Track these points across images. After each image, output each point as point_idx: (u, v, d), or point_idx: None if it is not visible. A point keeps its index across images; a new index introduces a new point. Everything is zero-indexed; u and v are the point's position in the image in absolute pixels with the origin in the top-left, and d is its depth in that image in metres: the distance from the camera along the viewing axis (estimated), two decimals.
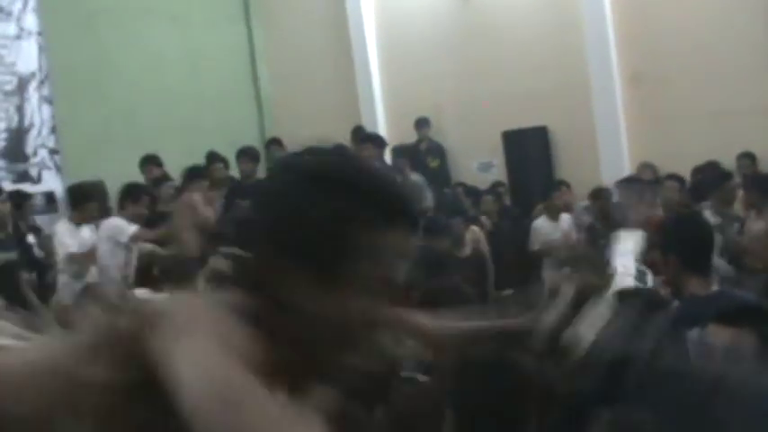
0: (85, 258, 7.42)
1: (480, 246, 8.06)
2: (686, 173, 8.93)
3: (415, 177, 9.67)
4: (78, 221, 7.62)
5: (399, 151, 11.21)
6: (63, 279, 7.40)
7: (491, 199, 9.68)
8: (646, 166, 9.79)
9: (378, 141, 10.69)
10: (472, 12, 11.55)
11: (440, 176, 10.95)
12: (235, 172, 9.68)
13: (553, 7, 10.90)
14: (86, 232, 7.59)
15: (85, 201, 7.67)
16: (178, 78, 12.15)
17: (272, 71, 13.25)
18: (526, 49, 11.03)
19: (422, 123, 11.44)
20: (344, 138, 11.31)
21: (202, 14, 12.61)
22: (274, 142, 10.56)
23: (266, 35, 13.28)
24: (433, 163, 11.22)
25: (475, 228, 8.25)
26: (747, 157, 9.18)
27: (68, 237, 7.48)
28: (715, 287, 3.81)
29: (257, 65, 13.27)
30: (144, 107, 11.62)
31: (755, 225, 6.38)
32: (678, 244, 3.96)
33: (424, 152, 11.33)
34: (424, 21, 11.93)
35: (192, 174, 8.17)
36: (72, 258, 7.36)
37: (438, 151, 11.50)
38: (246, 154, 9.71)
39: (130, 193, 7.82)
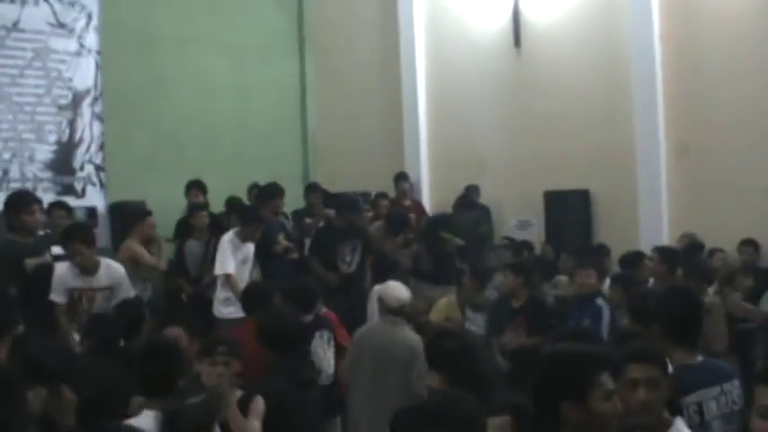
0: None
1: None
2: (727, 246, 8.91)
3: None
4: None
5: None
6: None
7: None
8: (686, 237, 9.74)
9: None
10: (524, 66, 11.62)
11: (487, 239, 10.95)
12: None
13: (605, 69, 10.94)
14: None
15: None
16: (227, 108, 12.30)
17: (321, 108, 13.36)
18: (574, 108, 11.07)
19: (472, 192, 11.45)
20: (386, 181, 11.43)
21: (258, 47, 12.76)
22: (314, 188, 10.88)
23: (318, 72, 13.41)
24: (485, 229, 11.15)
25: None
26: None
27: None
28: (700, 357, 4.07)
29: (307, 100, 13.38)
30: (191, 133, 11.76)
31: None
32: (665, 315, 4.19)
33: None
34: (475, 71, 12.01)
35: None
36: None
37: (487, 217, 11.45)
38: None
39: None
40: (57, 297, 6.68)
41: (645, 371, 3.40)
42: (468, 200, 11.39)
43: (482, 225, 11.10)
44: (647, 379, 3.38)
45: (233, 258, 8.23)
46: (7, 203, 7.25)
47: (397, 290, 6.20)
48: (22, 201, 7.18)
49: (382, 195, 11.08)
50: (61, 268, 6.75)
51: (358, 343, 6.16)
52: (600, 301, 6.84)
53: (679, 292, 4.51)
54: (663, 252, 7.75)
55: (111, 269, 6.90)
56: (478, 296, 7.68)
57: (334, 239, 9.09)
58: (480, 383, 3.86)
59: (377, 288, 6.71)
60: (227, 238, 8.34)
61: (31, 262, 6.79)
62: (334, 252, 9.04)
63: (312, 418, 4.52)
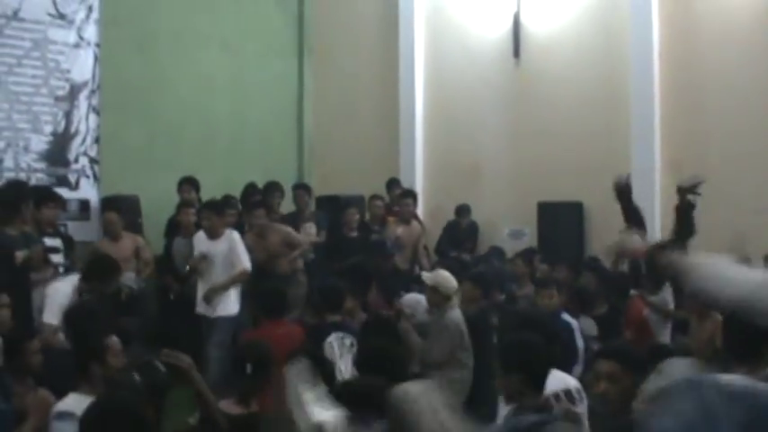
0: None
1: None
2: None
3: None
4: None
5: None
6: None
7: (521, 263, 9.62)
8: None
9: (415, 197, 10.83)
10: (522, 76, 11.63)
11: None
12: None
13: (603, 82, 10.95)
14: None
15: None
16: (224, 105, 12.29)
17: (318, 109, 13.35)
18: (571, 120, 11.08)
19: (463, 212, 11.40)
20: (381, 185, 11.42)
21: (256, 46, 12.76)
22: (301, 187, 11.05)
23: (316, 73, 13.40)
24: (468, 245, 11.22)
25: None
26: None
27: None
28: None
29: (304, 101, 13.37)
30: (187, 129, 11.76)
31: None
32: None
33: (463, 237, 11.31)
34: (474, 78, 12.01)
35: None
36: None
37: (474, 231, 11.51)
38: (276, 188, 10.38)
39: None
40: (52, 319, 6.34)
41: (607, 366, 3.85)
42: (457, 222, 11.38)
43: (467, 242, 11.21)
44: (607, 373, 3.83)
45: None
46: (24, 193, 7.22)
47: (450, 278, 6.76)
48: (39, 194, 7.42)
49: (377, 197, 11.07)
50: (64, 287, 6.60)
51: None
52: (566, 317, 7.20)
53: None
54: None
55: None
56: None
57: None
58: None
59: (427, 275, 7.05)
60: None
61: (20, 255, 6.72)
62: None
63: None
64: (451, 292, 6.72)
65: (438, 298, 6.70)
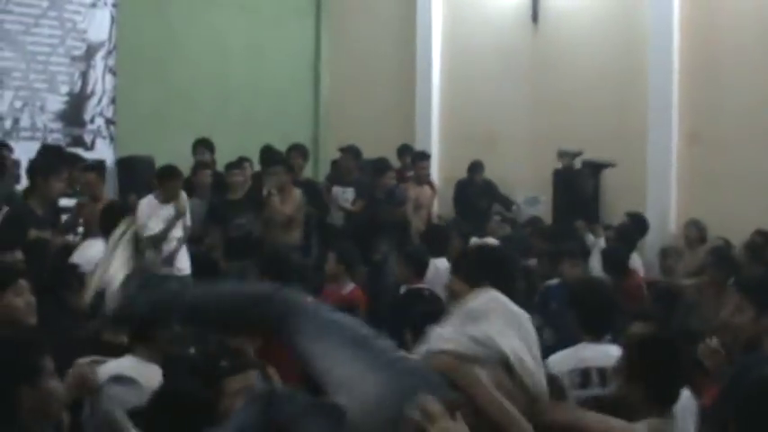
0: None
1: None
2: (732, 236, 8.88)
3: None
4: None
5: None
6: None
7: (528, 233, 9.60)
8: (693, 224, 9.74)
9: (425, 156, 10.79)
10: (540, 42, 11.55)
11: (488, 215, 10.92)
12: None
13: (622, 50, 10.88)
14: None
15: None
16: (240, 68, 12.26)
17: (334, 73, 13.30)
18: (589, 88, 11.01)
19: (476, 168, 11.28)
20: (395, 151, 11.39)
21: (273, 8, 12.69)
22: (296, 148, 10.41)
23: (333, 36, 13.34)
24: (483, 203, 11.12)
25: None
26: None
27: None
28: None
29: (320, 64, 13.32)
30: (203, 91, 11.74)
31: None
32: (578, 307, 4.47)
33: (477, 194, 11.23)
34: (491, 44, 11.92)
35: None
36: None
37: (490, 192, 11.37)
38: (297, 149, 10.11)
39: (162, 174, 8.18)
40: None
41: None
42: (470, 179, 11.32)
43: (482, 200, 11.11)
44: None
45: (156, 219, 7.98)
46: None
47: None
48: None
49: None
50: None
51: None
52: None
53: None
54: None
55: None
56: None
57: None
58: None
59: (475, 240, 6.81)
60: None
61: (33, 233, 6.73)
62: None
63: None
64: None
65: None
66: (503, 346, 3.18)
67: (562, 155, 10.31)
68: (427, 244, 7.56)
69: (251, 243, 8.69)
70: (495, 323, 3.27)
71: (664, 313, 5.65)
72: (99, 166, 8.98)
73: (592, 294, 4.58)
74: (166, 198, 8.00)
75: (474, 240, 6.93)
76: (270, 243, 8.76)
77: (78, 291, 4.77)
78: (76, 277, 5.21)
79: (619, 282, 7.04)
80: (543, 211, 11.08)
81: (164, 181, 8.10)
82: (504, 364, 3.17)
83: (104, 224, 6.37)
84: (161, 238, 7.68)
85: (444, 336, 3.25)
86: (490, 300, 3.40)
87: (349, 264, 6.78)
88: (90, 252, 6.35)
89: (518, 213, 11.09)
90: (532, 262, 8.28)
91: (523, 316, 3.38)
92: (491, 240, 6.60)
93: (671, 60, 10.45)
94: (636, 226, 9.20)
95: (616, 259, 7.60)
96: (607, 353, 4.07)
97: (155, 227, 7.67)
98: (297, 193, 9.27)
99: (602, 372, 4.09)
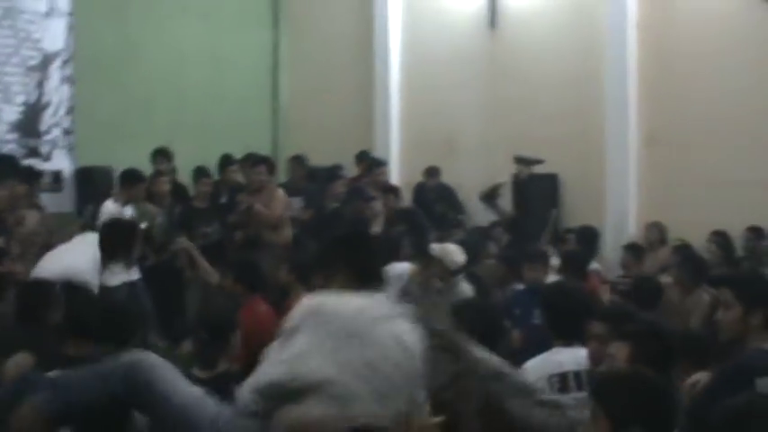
0: None
1: None
2: (691, 237, 8.99)
3: None
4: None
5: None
6: None
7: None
8: (654, 225, 9.84)
9: (382, 163, 10.79)
10: (498, 48, 11.60)
11: (445, 221, 10.91)
12: None
13: (579, 55, 10.96)
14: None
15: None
16: (199, 76, 12.18)
17: (293, 81, 13.27)
18: (547, 93, 11.08)
19: (432, 173, 11.32)
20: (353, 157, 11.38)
21: (231, 16, 12.63)
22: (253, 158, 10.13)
23: (292, 44, 13.30)
24: (441, 208, 11.13)
25: None
26: (754, 231, 9.22)
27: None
28: None
29: (279, 72, 13.28)
30: (162, 100, 11.64)
31: None
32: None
33: (433, 198, 11.24)
34: (449, 50, 11.96)
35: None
36: None
37: (446, 196, 11.40)
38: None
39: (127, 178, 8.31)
40: None
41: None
42: (425, 183, 11.35)
43: (437, 204, 11.12)
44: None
45: None
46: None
47: (456, 252, 6.66)
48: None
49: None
50: None
51: None
52: None
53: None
54: None
55: None
56: None
57: None
58: None
59: (436, 246, 6.95)
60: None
61: None
62: None
63: None
64: (455, 267, 6.63)
65: (443, 271, 6.62)
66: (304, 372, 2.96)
67: (519, 161, 10.33)
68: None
69: (217, 251, 8.64)
70: (299, 342, 3.02)
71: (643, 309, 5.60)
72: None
73: (564, 299, 4.59)
74: (127, 200, 8.10)
75: (432, 246, 7.02)
76: (236, 252, 8.74)
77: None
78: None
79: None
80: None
81: (127, 184, 8.13)
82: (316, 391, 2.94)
83: None
84: None
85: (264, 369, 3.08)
86: (306, 312, 3.13)
87: (300, 274, 6.36)
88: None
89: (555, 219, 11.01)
90: (489, 262, 8.37)
91: (367, 321, 3.12)
92: (450, 245, 6.72)
93: (628, 64, 10.55)
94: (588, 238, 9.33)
95: (576, 262, 7.63)
96: (580, 356, 4.11)
97: None
98: (280, 191, 9.27)
99: (577, 375, 4.12)
